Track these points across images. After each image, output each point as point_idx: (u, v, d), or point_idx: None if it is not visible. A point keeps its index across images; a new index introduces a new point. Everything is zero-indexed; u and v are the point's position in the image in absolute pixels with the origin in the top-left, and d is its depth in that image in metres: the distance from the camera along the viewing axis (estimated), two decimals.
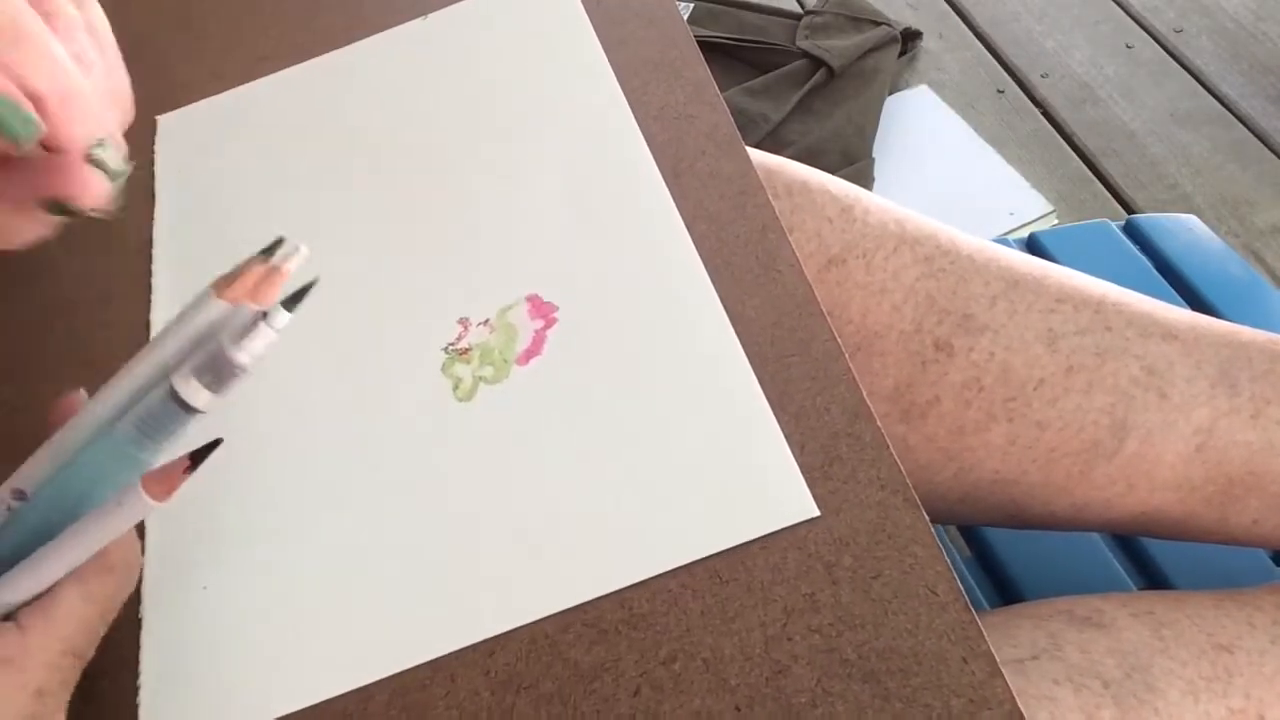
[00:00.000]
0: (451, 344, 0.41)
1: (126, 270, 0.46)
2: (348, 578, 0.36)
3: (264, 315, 0.29)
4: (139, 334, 0.44)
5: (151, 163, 0.50)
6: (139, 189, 0.49)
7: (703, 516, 0.35)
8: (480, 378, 0.39)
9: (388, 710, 0.33)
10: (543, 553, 0.35)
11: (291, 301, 0.29)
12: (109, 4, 0.59)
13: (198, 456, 0.29)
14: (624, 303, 0.41)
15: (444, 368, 0.40)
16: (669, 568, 0.34)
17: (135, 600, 0.36)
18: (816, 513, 0.34)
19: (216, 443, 0.29)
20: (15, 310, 0.46)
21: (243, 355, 0.29)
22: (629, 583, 0.34)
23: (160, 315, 0.45)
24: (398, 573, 0.35)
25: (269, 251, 0.30)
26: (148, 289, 0.45)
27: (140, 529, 0.38)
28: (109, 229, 0.47)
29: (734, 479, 0.35)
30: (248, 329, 0.29)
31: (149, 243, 0.47)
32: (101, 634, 0.31)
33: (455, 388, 0.39)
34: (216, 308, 0.30)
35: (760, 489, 0.35)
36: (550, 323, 0.41)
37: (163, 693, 0.34)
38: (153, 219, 0.48)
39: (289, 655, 0.34)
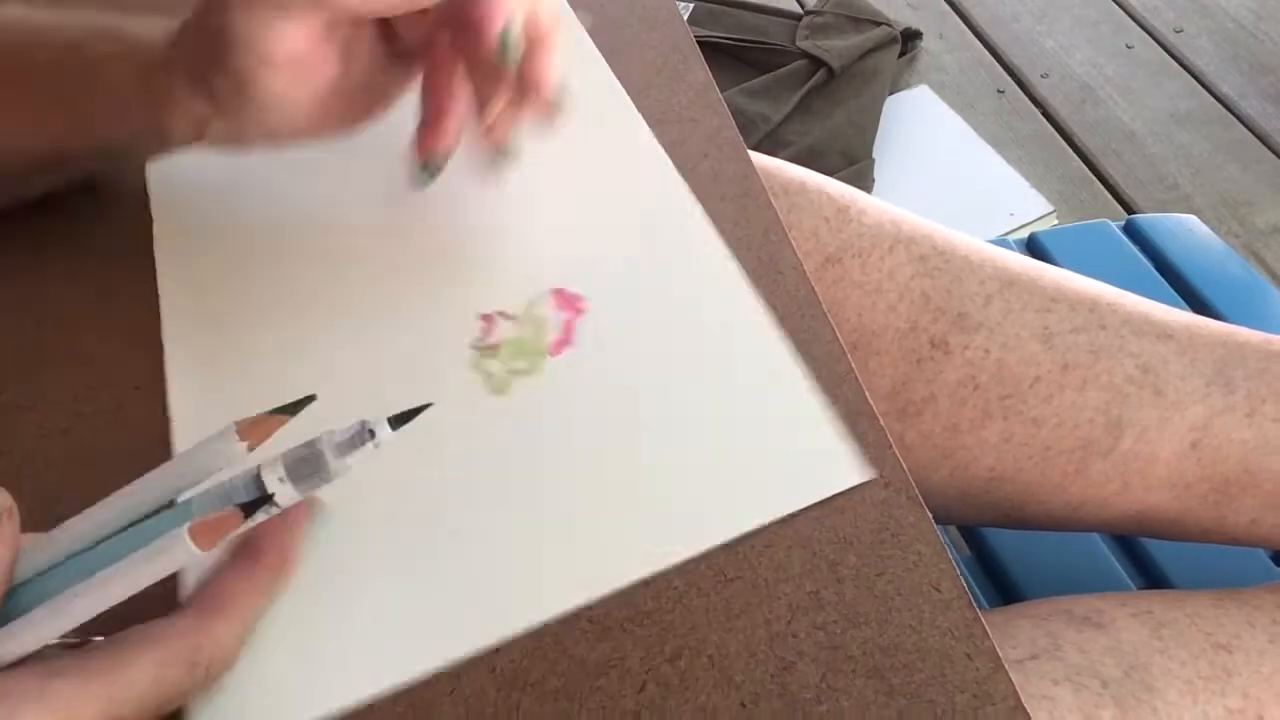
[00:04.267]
0: (479, 340, 0.41)
1: (129, 267, 0.46)
2: (387, 581, 0.35)
3: (371, 432, 0.29)
4: (141, 330, 0.44)
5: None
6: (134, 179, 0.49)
7: (757, 488, 0.35)
8: (513, 371, 0.39)
9: (394, 707, 0.33)
10: (598, 535, 0.35)
11: (398, 420, 0.29)
12: (111, 8, 0.59)
13: (250, 509, 0.29)
14: (651, 287, 0.41)
15: (474, 364, 0.40)
16: (724, 540, 0.34)
17: None
18: (867, 477, 0.34)
19: (269, 496, 0.29)
20: (14, 310, 0.46)
21: (339, 466, 0.29)
22: (692, 554, 0.34)
23: (168, 317, 0.44)
24: (445, 573, 0.35)
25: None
26: (152, 289, 0.45)
27: None
28: (108, 225, 0.47)
29: (783, 450, 0.36)
30: (352, 442, 0.29)
31: (149, 238, 0.47)
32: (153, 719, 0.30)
33: (488, 382, 0.39)
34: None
35: (810, 457, 0.35)
36: (578, 313, 0.41)
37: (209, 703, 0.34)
38: (150, 209, 0.48)
39: (315, 660, 0.34)
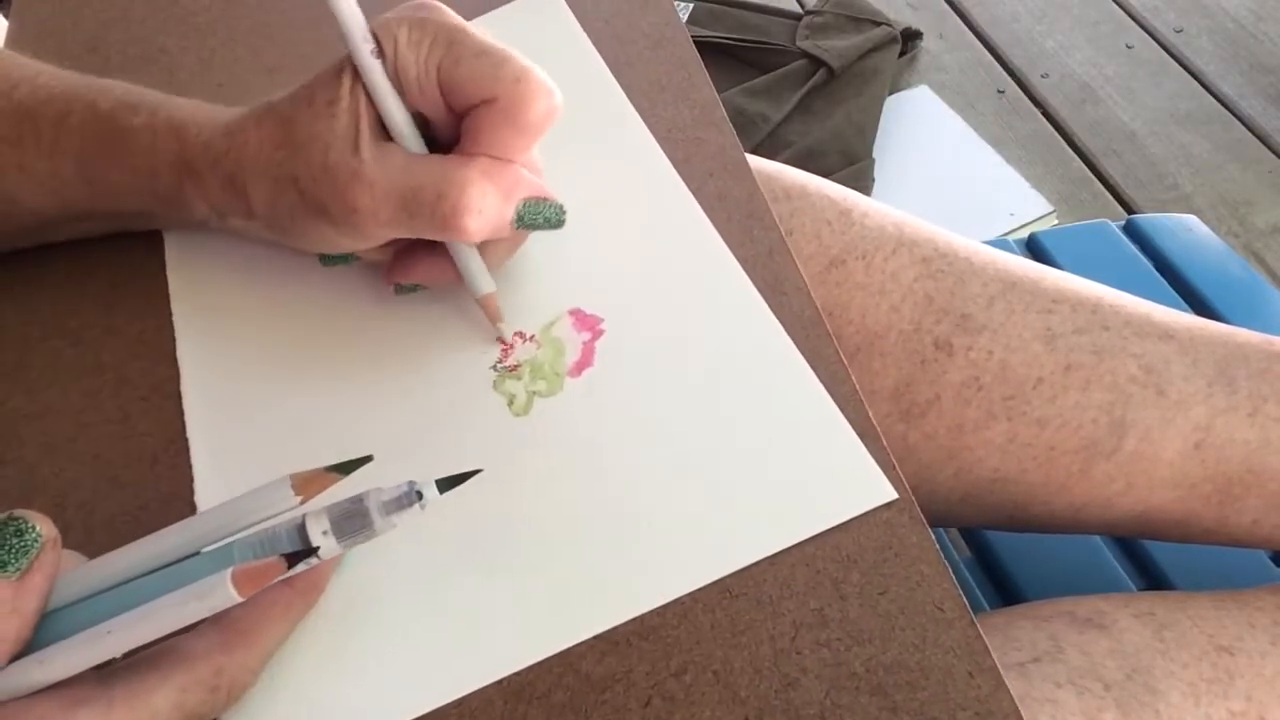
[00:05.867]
0: (499, 362, 0.41)
1: (136, 277, 0.46)
2: (409, 604, 0.35)
3: (418, 494, 0.29)
4: (147, 341, 0.44)
5: None
6: None
7: (781, 508, 0.35)
8: (534, 392, 0.39)
9: None
10: (624, 558, 0.35)
11: (446, 484, 0.30)
12: (115, 14, 0.59)
13: (294, 559, 0.29)
14: (669, 308, 0.41)
15: (495, 385, 0.40)
16: (749, 562, 0.34)
17: None
18: (894, 495, 0.34)
19: (314, 549, 0.29)
20: (22, 317, 0.46)
21: (384, 525, 0.30)
22: (718, 576, 0.34)
23: (180, 327, 0.44)
24: (467, 597, 0.35)
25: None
26: (164, 296, 0.46)
27: None
28: (116, 236, 0.47)
29: (807, 469, 0.36)
30: (399, 503, 0.30)
31: (157, 249, 0.47)
32: None
33: (510, 404, 0.39)
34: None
35: (834, 477, 0.35)
36: (597, 334, 0.41)
37: None
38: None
39: (335, 686, 0.34)
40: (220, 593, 0.28)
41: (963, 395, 0.51)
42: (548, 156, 0.41)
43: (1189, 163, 1.48)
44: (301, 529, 0.30)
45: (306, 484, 0.31)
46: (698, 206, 0.43)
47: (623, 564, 0.35)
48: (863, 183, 1.42)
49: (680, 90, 0.48)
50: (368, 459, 0.31)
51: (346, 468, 0.31)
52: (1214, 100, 1.54)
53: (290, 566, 0.29)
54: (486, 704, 0.32)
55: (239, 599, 0.28)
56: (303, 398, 0.41)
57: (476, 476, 0.31)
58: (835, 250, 0.53)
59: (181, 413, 0.42)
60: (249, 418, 0.41)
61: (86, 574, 0.31)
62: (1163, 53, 1.62)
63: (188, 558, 0.31)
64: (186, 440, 0.41)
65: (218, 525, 0.31)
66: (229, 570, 0.28)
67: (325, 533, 0.29)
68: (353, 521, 0.30)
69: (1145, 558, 0.67)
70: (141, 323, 0.45)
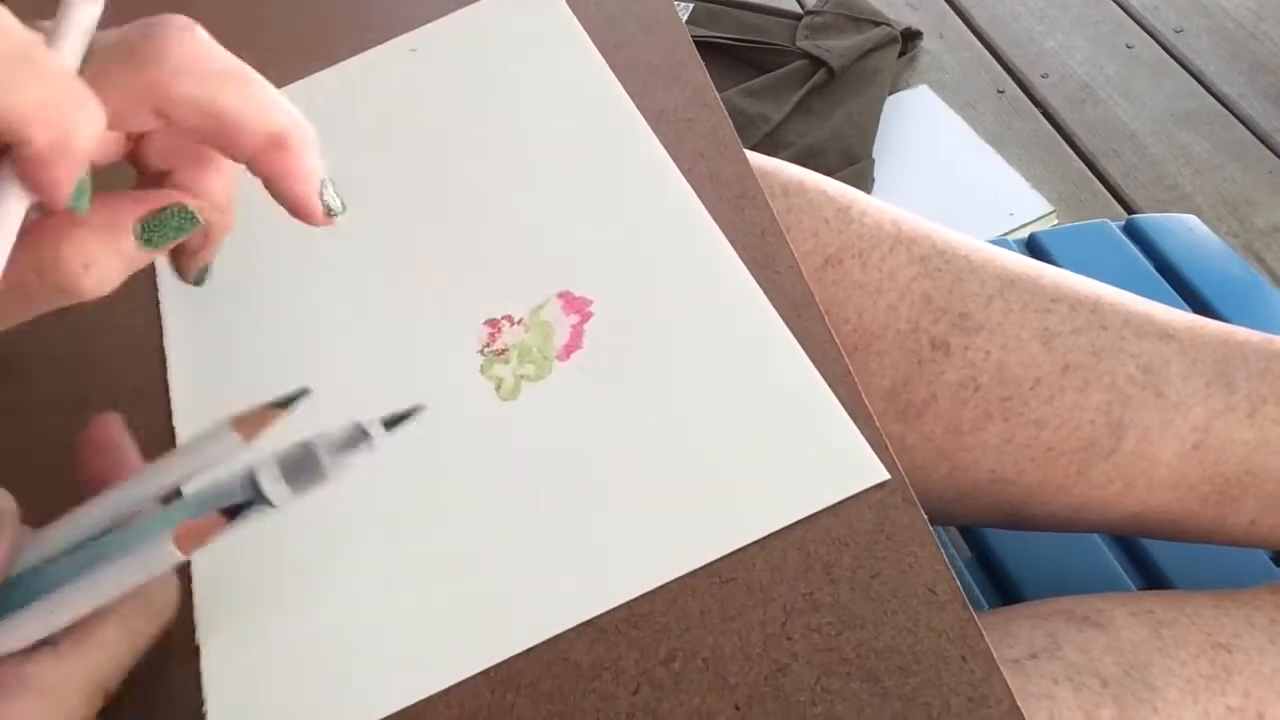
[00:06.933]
0: (486, 346, 0.40)
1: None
2: (397, 592, 0.35)
3: (365, 434, 0.29)
4: (142, 334, 0.44)
5: None
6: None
7: (773, 490, 0.35)
8: (522, 376, 0.39)
9: None
10: (618, 541, 0.35)
11: (393, 423, 0.29)
12: (113, 11, 0.59)
13: (233, 512, 0.28)
14: (659, 289, 0.41)
15: (483, 369, 0.40)
16: (742, 544, 0.34)
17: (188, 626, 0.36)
18: (886, 476, 0.34)
19: (252, 502, 0.29)
20: None
21: (335, 467, 0.29)
22: (712, 559, 0.33)
23: (170, 322, 0.44)
24: (457, 584, 0.35)
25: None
26: (154, 290, 0.46)
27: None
28: None
29: (799, 450, 0.35)
30: (348, 442, 0.29)
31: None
32: (128, 670, 0.31)
33: (498, 388, 0.39)
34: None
35: (825, 458, 0.35)
36: (586, 316, 0.40)
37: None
38: None
39: (326, 678, 0.34)
40: (164, 552, 0.28)
41: (960, 395, 0.51)
42: (538, 138, 0.41)
43: (1189, 163, 1.47)
44: (252, 478, 0.29)
45: (246, 423, 0.31)
46: (688, 187, 0.43)
47: (611, 549, 0.34)
48: (862, 183, 1.42)
49: (672, 73, 0.48)
50: (305, 391, 0.31)
51: (285, 402, 0.31)
52: (1214, 100, 1.54)
53: (238, 517, 0.28)
54: (473, 693, 0.32)
55: (184, 558, 0.28)
56: (287, 384, 0.41)
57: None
58: (832, 248, 0.53)
59: (169, 407, 0.42)
60: (235, 408, 0.41)
61: (39, 543, 0.31)
62: (1163, 53, 1.62)
63: (134, 514, 0.31)
64: (176, 437, 0.41)
65: (167, 477, 0.31)
66: (171, 530, 0.28)
67: (275, 479, 0.29)
68: (302, 465, 0.29)
69: (1144, 557, 0.66)
70: (133, 314, 0.45)
